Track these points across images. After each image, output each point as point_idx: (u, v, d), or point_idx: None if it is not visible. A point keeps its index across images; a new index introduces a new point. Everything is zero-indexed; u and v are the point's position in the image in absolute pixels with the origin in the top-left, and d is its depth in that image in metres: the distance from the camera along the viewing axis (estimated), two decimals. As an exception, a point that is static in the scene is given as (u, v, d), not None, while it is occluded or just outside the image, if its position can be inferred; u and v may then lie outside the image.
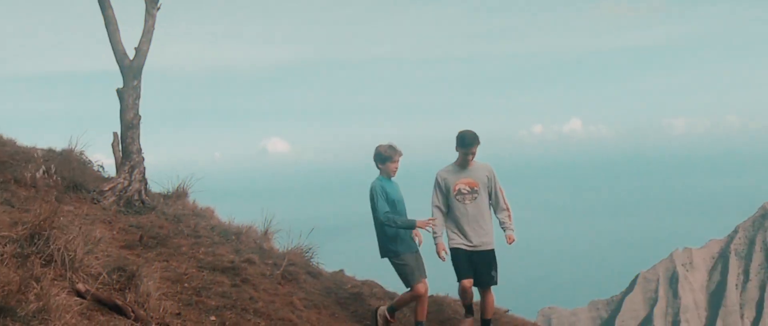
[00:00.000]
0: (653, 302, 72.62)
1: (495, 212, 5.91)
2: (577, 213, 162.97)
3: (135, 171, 6.86)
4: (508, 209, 5.89)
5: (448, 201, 5.85)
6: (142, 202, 6.89)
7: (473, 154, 5.78)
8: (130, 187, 6.83)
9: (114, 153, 7.28)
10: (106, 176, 7.60)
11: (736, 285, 72.83)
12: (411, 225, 5.64)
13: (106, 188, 6.73)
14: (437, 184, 5.86)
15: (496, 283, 5.88)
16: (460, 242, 5.76)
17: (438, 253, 5.69)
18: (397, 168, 5.82)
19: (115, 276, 4.52)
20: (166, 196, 7.69)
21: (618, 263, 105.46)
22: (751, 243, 74.84)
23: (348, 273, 7.79)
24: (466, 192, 5.81)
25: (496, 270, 5.87)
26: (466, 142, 5.74)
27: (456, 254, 5.76)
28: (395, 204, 5.72)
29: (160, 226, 6.39)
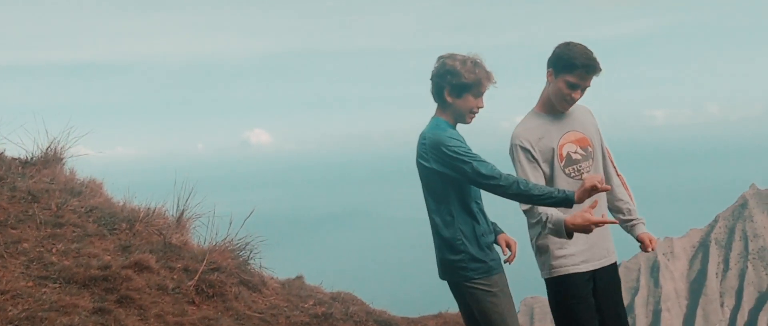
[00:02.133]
0: (634, 291, 72.54)
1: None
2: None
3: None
4: (626, 184, 3.25)
5: (549, 183, 3.09)
6: (-18, 172, 4.67)
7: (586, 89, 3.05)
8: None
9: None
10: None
11: (717, 273, 73.22)
12: (568, 199, 2.79)
13: None
14: (524, 153, 3.04)
15: None
16: (577, 261, 3.05)
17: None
18: (480, 108, 3.01)
19: None
20: (26, 163, 5.35)
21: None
22: (731, 232, 75.29)
23: (311, 281, 5.23)
24: (579, 158, 3.09)
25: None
26: (578, 64, 2.95)
27: (569, 285, 3.04)
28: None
29: (-4, 209, 4.27)
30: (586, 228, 2.84)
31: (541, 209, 2.92)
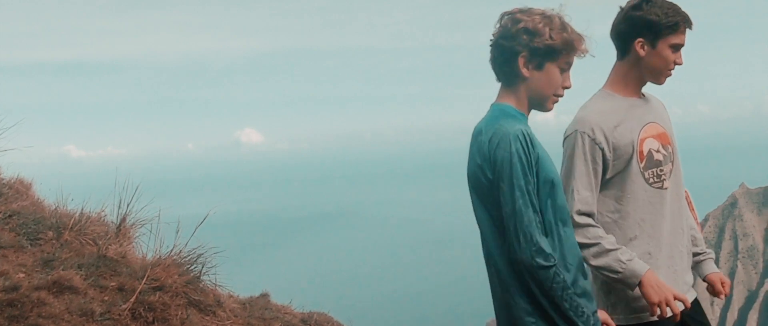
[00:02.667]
0: (626, 291, 73.02)
1: None
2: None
3: None
4: (692, 203, 2.58)
5: (618, 190, 2.28)
6: None
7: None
8: None
9: None
10: None
11: (707, 273, 73.86)
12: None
13: None
14: (591, 146, 2.22)
15: None
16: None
17: None
18: (567, 89, 2.02)
19: None
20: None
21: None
22: (721, 231, 75.55)
23: (278, 298, 4.41)
24: (661, 159, 2.33)
25: None
26: (679, 20, 2.30)
27: None
28: (555, 189, 1.95)
29: None
30: (654, 298, 2.13)
31: (625, 236, 2.24)
